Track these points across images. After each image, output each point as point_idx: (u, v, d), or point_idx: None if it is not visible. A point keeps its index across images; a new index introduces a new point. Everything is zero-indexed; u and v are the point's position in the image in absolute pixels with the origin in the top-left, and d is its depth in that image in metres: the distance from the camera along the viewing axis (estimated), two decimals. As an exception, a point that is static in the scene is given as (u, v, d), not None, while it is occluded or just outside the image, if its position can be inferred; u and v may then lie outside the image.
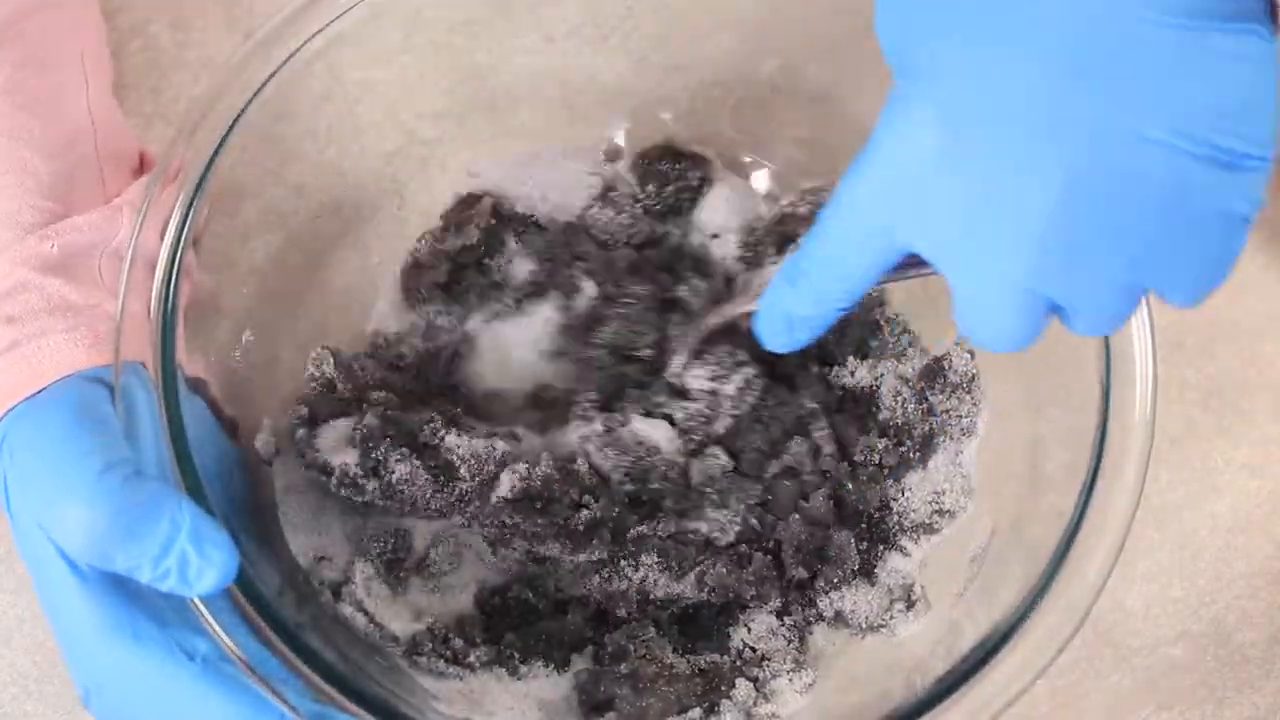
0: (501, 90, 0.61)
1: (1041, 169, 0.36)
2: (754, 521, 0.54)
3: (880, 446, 0.55)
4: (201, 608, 0.44)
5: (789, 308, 0.45)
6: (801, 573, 0.54)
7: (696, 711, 0.51)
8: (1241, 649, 0.60)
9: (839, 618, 0.54)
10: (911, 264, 0.41)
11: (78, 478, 0.43)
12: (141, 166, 0.56)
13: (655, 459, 0.54)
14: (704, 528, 0.54)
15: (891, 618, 0.52)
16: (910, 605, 0.52)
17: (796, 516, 0.54)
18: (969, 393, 0.55)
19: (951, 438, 0.55)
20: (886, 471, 0.55)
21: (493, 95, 0.61)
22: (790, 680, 0.52)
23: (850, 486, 0.55)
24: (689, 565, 0.53)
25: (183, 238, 0.49)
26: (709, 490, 0.54)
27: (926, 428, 0.55)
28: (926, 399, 0.55)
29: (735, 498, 0.54)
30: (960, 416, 0.55)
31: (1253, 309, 0.65)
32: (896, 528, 0.55)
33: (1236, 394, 0.64)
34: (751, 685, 0.52)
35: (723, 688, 0.51)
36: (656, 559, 0.53)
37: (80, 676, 0.45)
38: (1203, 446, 0.63)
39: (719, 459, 0.55)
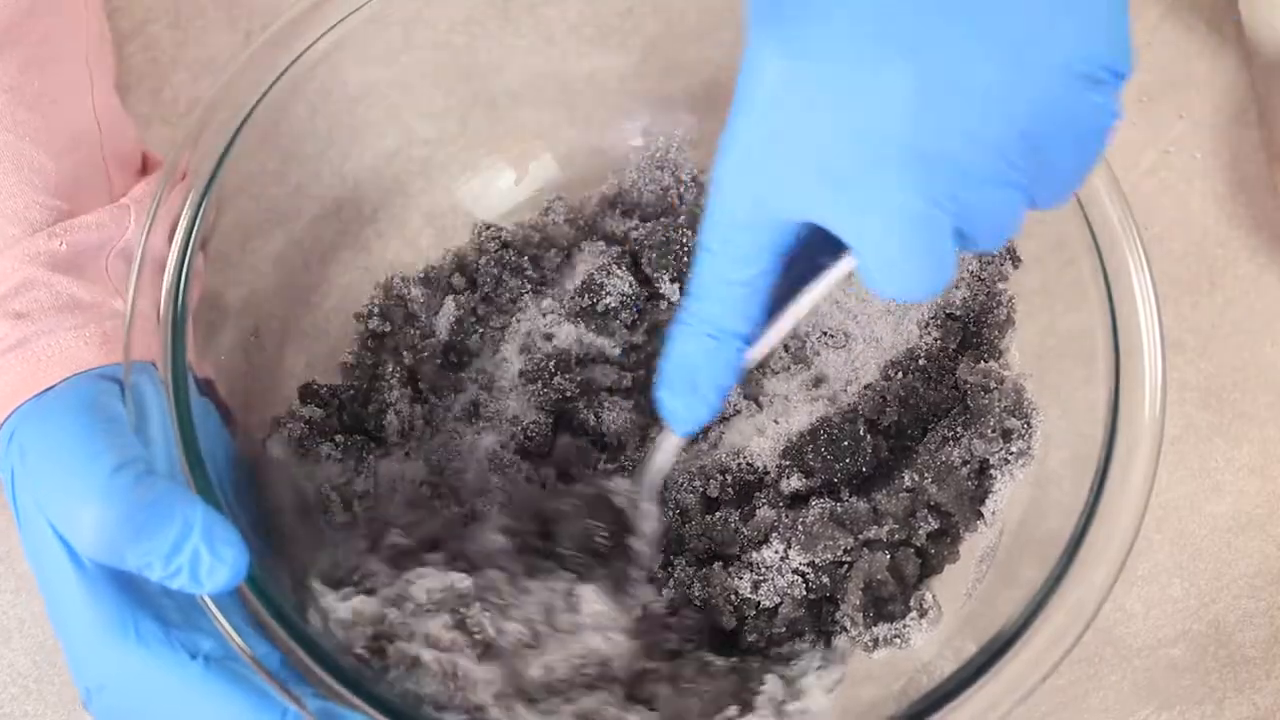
0: (501, 90, 0.61)
1: (891, 83, 0.35)
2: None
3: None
4: (210, 605, 0.44)
5: (688, 354, 0.44)
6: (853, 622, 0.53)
7: (733, 709, 0.50)
8: (1241, 649, 0.60)
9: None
10: (812, 268, 0.41)
11: (90, 477, 0.43)
12: (144, 167, 0.56)
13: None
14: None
15: (905, 627, 0.52)
16: (923, 614, 0.52)
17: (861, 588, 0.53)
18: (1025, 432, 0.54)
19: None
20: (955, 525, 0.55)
21: (493, 95, 0.61)
22: (818, 678, 0.51)
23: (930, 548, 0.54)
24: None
25: (192, 239, 0.49)
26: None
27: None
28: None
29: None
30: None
31: (1253, 309, 0.65)
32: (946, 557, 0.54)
33: (1236, 394, 0.64)
34: (781, 681, 0.51)
35: (753, 684, 0.51)
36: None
37: (81, 676, 0.45)
38: (1202, 446, 0.63)
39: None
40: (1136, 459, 0.48)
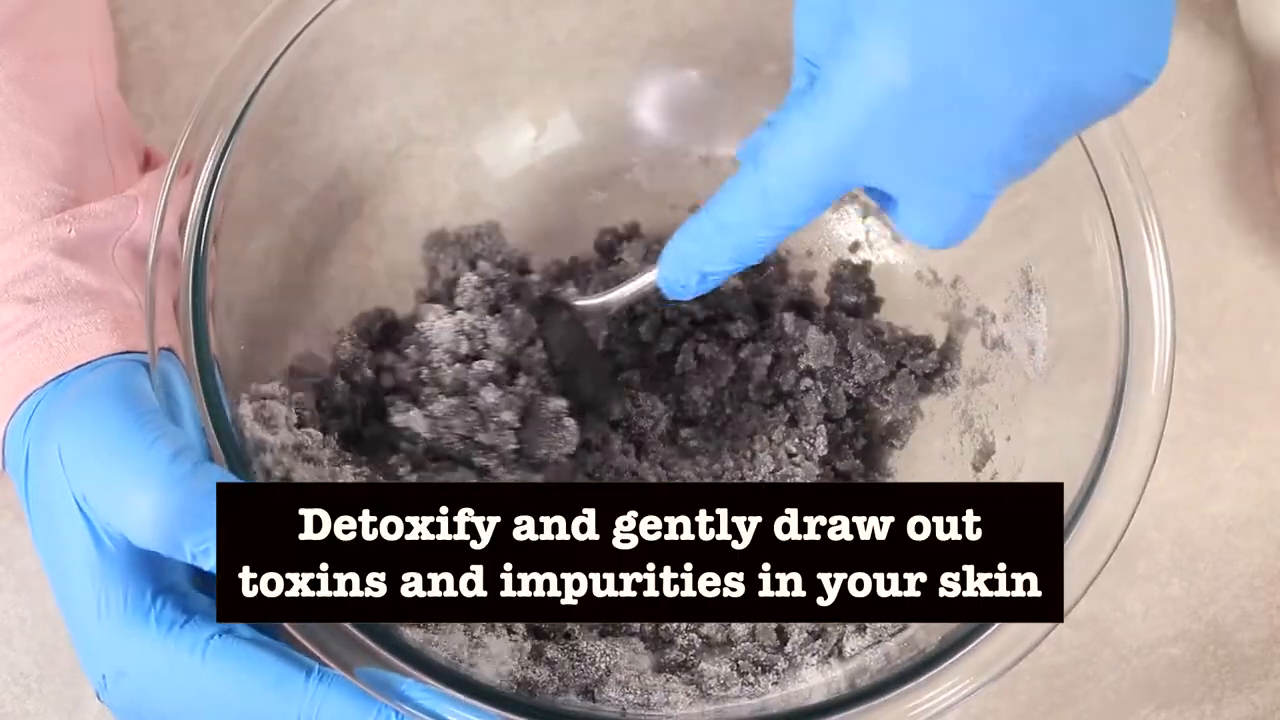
0: (501, 91, 0.61)
1: (1022, 89, 0.37)
2: None
3: None
4: None
5: (701, 264, 0.45)
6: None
7: None
8: (1240, 648, 0.60)
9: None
10: None
11: (147, 464, 0.43)
12: (147, 164, 0.57)
13: None
14: None
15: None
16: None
17: None
18: None
19: None
20: None
21: (493, 96, 0.61)
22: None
23: None
24: None
25: (205, 229, 0.49)
26: None
27: None
28: None
29: None
30: None
31: (1253, 309, 0.65)
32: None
33: (1236, 394, 0.64)
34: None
35: None
36: None
37: (96, 664, 0.45)
38: (1203, 446, 0.63)
39: None
40: (1135, 458, 0.47)
